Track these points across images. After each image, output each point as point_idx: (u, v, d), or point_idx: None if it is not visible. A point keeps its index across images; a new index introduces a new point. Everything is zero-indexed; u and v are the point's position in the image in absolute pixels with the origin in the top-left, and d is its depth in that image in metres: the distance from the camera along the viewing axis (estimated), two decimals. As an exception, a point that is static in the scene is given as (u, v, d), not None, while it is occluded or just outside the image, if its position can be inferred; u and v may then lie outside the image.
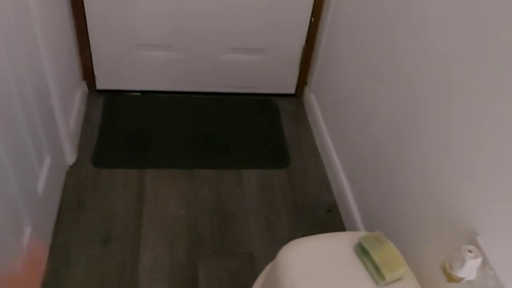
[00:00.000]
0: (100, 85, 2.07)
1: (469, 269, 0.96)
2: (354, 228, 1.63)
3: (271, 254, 1.59)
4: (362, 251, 1.09)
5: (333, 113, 1.89)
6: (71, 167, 1.77)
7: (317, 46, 2.06)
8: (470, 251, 0.96)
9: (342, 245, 1.12)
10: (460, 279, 0.99)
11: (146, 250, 1.55)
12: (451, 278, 0.99)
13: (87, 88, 2.06)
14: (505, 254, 0.91)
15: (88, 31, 1.90)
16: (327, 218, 1.74)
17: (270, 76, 2.16)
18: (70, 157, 1.76)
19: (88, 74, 2.03)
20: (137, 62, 2.02)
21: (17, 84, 1.22)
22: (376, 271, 1.04)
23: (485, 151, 0.97)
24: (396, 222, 1.35)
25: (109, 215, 1.64)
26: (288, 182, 1.85)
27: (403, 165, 1.31)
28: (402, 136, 1.32)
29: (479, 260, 0.95)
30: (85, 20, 1.86)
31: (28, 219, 1.30)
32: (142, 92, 2.13)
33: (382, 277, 1.02)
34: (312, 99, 2.12)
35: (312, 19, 1.98)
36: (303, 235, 1.65)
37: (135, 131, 1.95)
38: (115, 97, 2.09)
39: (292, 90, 2.23)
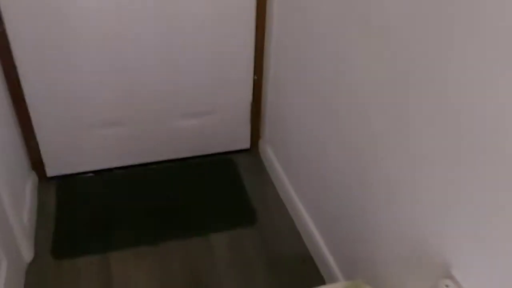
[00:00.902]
0: (51, 172, 2.00)
1: (450, 306, 0.97)
2: (331, 275, 1.62)
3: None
4: (345, 304, 1.08)
5: (290, 162, 1.91)
6: (30, 264, 1.67)
7: (264, 100, 2.10)
8: (447, 286, 0.98)
9: (324, 301, 1.11)
10: (444, 317, 0.99)
11: None
12: (435, 317, 0.99)
13: (37, 178, 1.99)
14: (481, 285, 0.92)
15: (31, 119, 1.85)
16: (303, 270, 1.72)
17: (223, 135, 2.18)
18: (27, 254, 1.66)
19: (36, 163, 1.96)
20: (86, 143, 1.98)
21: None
22: (362, 323, 1.03)
23: (453, 183, 0.99)
24: (373, 264, 1.35)
25: (78, 309, 1.54)
26: (259, 239, 1.83)
27: (371, 205, 1.33)
28: (365, 174, 1.34)
29: (457, 296, 0.96)
30: (27, 109, 1.82)
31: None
32: (95, 172, 2.07)
33: (369, 328, 1.01)
34: (268, 151, 2.14)
35: (255, 77, 2.03)
36: (283, 293, 1.64)
37: (93, 214, 1.88)
38: (67, 181, 2.03)
39: (247, 145, 2.25)
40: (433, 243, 1.05)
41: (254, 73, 2.03)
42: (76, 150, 1.98)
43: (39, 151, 1.93)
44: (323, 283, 1.66)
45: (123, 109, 1.95)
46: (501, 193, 0.84)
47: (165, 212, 1.91)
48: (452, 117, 0.93)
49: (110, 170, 2.09)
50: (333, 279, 1.60)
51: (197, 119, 2.08)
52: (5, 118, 1.66)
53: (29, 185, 1.87)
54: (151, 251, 1.75)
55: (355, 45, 1.27)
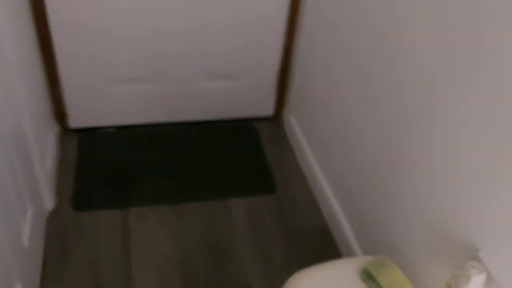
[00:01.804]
0: (73, 123, 2.00)
1: (474, 285, 0.96)
2: (348, 249, 1.62)
3: (269, 283, 1.56)
4: (368, 277, 1.07)
5: (315, 133, 1.89)
6: (51, 213, 1.69)
7: (292, 67, 2.06)
8: (474, 267, 0.97)
9: (348, 273, 1.11)
10: (470, 297, 0.98)
11: (139, 294, 1.49)
12: (460, 297, 0.99)
13: (60, 128, 1.99)
14: (509, 268, 0.91)
15: (58, 69, 1.83)
16: (319, 241, 1.72)
17: (247, 100, 2.15)
18: (49, 203, 1.68)
19: (60, 113, 1.95)
20: (111, 97, 1.97)
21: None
22: (386, 297, 1.03)
23: (483, 167, 0.97)
24: (394, 243, 1.35)
25: (97, 261, 1.56)
26: (276, 208, 1.83)
27: (396, 181, 1.31)
28: (392, 150, 1.32)
29: (483, 276, 0.95)
30: (55, 59, 1.80)
31: (17, 275, 1.23)
32: (117, 127, 2.07)
33: (393, 303, 1.01)
34: (291, 120, 2.11)
35: (286, 42, 1.99)
36: (297, 261, 1.64)
37: (114, 169, 1.89)
38: (89, 135, 2.03)
39: (270, 113, 2.22)
40: (460, 225, 1.04)
41: (285, 39, 1.98)
42: (99, 103, 1.97)
43: (63, 101, 1.92)
44: (339, 256, 1.67)
45: (149, 67, 1.92)
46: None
47: (186, 173, 1.91)
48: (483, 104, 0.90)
49: (132, 126, 2.08)
50: (351, 253, 1.60)
51: (223, 82, 2.05)
52: (32, 64, 1.65)
53: (51, 135, 1.87)
54: (170, 210, 1.76)
55: (398, 14, 1.23)
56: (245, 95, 2.13)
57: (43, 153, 1.68)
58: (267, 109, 2.21)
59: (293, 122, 2.10)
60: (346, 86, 1.58)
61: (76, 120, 2.00)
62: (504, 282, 0.92)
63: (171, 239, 1.66)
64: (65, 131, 2.02)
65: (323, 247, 1.70)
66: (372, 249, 1.47)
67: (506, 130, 0.90)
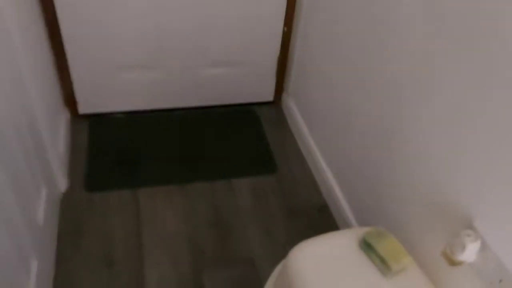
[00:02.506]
0: (83, 110, 2.07)
1: (469, 252, 1.04)
2: (347, 225, 1.71)
3: (272, 257, 1.65)
4: (367, 246, 1.16)
5: (313, 116, 1.97)
6: (64, 194, 1.77)
7: (291, 53, 2.13)
8: (468, 235, 1.04)
9: (347, 243, 1.19)
10: (461, 263, 1.07)
11: (150, 269, 1.57)
12: (452, 262, 1.07)
13: (70, 115, 2.06)
14: (503, 235, 0.97)
15: (67, 58, 1.90)
16: (319, 218, 1.81)
17: (248, 86, 2.22)
18: (62, 185, 1.76)
19: (70, 100, 2.03)
20: (118, 84, 2.04)
21: (12, 118, 1.23)
22: (382, 263, 1.11)
23: (477, 137, 1.03)
24: (391, 215, 1.43)
25: (109, 238, 1.65)
26: (278, 187, 1.92)
27: (391, 155, 1.38)
28: (386, 126, 1.39)
29: (478, 243, 1.03)
30: (64, 47, 1.87)
31: (33, 253, 1.31)
32: (125, 113, 2.14)
33: (389, 268, 1.10)
34: (290, 104, 2.19)
35: (285, 29, 2.05)
36: (298, 237, 1.72)
37: (123, 152, 1.97)
38: (99, 120, 2.10)
39: (270, 98, 2.30)
40: (455, 195, 1.11)
41: (284, 25, 2.04)
42: (108, 90, 2.04)
43: (72, 88, 1.99)
44: (338, 231, 1.75)
45: (155, 53, 1.99)
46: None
47: (191, 155, 1.99)
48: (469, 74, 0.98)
49: (140, 112, 2.16)
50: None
51: (225, 69, 2.13)
52: (42, 53, 1.71)
53: (63, 120, 1.94)
54: (178, 190, 1.84)
55: (391, 2, 1.30)
56: (246, 81, 2.20)
57: (55, 138, 1.75)
58: (268, 94, 2.29)
59: (292, 106, 2.18)
60: (342, 71, 1.65)
61: (86, 106, 2.07)
62: (498, 249, 0.98)
63: (179, 217, 1.75)
64: (76, 117, 2.10)
65: (323, 224, 1.79)
66: (370, 224, 1.56)
67: (500, 101, 0.95)
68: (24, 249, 1.24)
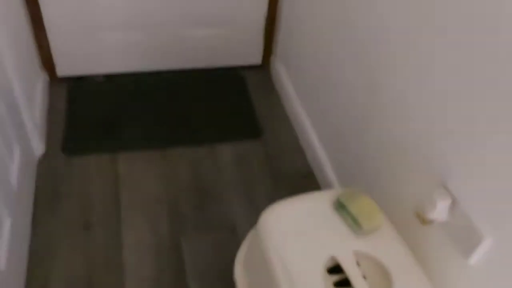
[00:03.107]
0: (61, 72, 2.02)
1: (440, 211, 1.01)
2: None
3: (253, 224, 1.62)
4: (340, 206, 1.12)
5: (301, 79, 1.91)
6: (41, 158, 1.74)
7: (279, 15, 2.06)
8: (439, 194, 1.01)
9: (321, 204, 1.16)
10: (433, 221, 1.04)
11: (128, 231, 1.55)
12: (424, 221, 1.04)
13: (48, 78, 2.01)
14: (472, 195, 0.96)
15: (43, 18, 1.84)
16: (304, 184, 1.78)
17: (235, 48, 2.15)
18: (39, 149, 1.72)
19: (47, 62, 1.97)
20: (97, 45, 1.98)
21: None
22: (354, 222, 1.08)
23: (451, 103, 1.00)
24: (371, 177, 1.40)
25: (87, 202, 1.62)
26: (263, 152, 1.87)
27: (373, 118, 1.35)
28: (369, 89, 1.35)
29: (448, 201, 1.00)
30: (38, 6, 1.80)
31: (7, 212, 1.28)
32: (105, 76, 2.09)
33: (360, 227, 1.06)
34: (279, 68, 2.13)
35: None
36: (282, 201, 1.70)
37: (103, 116, 1.92)
38: (78, 84, 2.05)
39: (258, 61, 2.23)
40: (430, 157, 1.08)
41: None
42: (87, 52, 1.98)
43: (50, 50, 1.94)
44: (322, 196, 1.72)
45: (136, 13, 1.92)
46: (493, 111, 0.85)
47: (174, 119, 1.95)
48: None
49: (120, 75, 2.10)
50: (332, 192, 1.65)
51: (210, 29, 2.05)
52: (17, 14, 1.65)
53: (40, 84, 1.89)
54: (159, 155, 1.81)
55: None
56: (233, 43, 2.13)
57: (31, 101, 1.71)
58: (255, 57, 2.22)
59: (280, 69, 2.11)
60: (329, 33, 1.58)
61: (64, 69, 2.02)
62: (467, 208, 0.97)
63: (159, 182, 1.72)
64: (55, 81, 2.04)
65: (307, 190, 1.75)
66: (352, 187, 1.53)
67: (473, 62, 0.92)
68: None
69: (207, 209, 1.65)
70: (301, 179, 1.80)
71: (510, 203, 0.86)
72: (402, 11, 1.15)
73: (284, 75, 2.08)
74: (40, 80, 1.91)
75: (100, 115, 1.93)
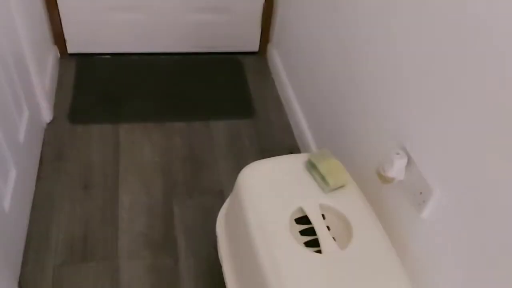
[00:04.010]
0: (72, 49, 2.17)
1: (398, 169, 1.13)
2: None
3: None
4: (311, 166, 1.25)
5: (293, 66, 2.04)
6: (48, 124, 1.89)
7: (276, 6, 2.19)
8: (397, 153, 1.14)
9: (295, 164, 1.28)
10: (392, 180, 1.16)
11: (124, 192, 1.69)
12: (384, 180, 1.16)
13: (59, 53, 2.16)
14: (426, 155, 1.07)
15: (56, -3, 1.99)
16: (290, 160, 1.90)
17: (234, 35, 2.29)
18: (47, 115, 1.87)
19: (59, 39, 2.12)
20: (106, 25, 2.12)
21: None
22: (322, 180, 1.20)
23: (409, 80, 1.13)
24: (342, 144, 1.52)
25: (88, 165, 1.77)
26: (253, 130, 2.01)
27: (355, 103, 1.47)
28: (349, 69, 1.48)
29: (404, 160, 1.12)
30: (53, -15, 1.96)
31: (12, 164, 1.43)
32: (111, 54, 2.24)
33: (327, 183, 1.19)
34: (274, 55, 2.26)
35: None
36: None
37: (108, 91, 2.07)
38: (87, 60, 2.20)
39: (255, 48, 2.37)
40: (390, 120, 1.20)
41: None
42: (96, 31, 2.13)
43: (61, 27, 2.09)
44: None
45: (141, -4, 2.06)
46: (446, 81, 0.97)
47: (172, 97, 2.09)
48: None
49: (126, 54, 2.25)
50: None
51: (211, 15, 2.19)
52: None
53: (51, 58, 2.04)
54: (157, 127, 1.95)
55: None
56: (232, 30, 2.27)
57: (42, 72, 1.86)
58: (253, 44, 2.36)
59: (276, 56, 2.24)
60: (318, 28, 1.71)
61: (75, 46, 2.17)
62: (422, 167, 1.08)
63: (156, 151, 1.86)
64: (65, 56, 2.20)
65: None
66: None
67: (434, 41, 1.03)
68: (3, 160, 1.35)
69: (199, 176, 1.78)
70: (287, 153, 1.92)
71: (456, 163, 0.97)
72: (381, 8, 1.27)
73: (278, 63, 2.21)
74: (52, 55, 2.06)
75: (105, 89, 2.07)
